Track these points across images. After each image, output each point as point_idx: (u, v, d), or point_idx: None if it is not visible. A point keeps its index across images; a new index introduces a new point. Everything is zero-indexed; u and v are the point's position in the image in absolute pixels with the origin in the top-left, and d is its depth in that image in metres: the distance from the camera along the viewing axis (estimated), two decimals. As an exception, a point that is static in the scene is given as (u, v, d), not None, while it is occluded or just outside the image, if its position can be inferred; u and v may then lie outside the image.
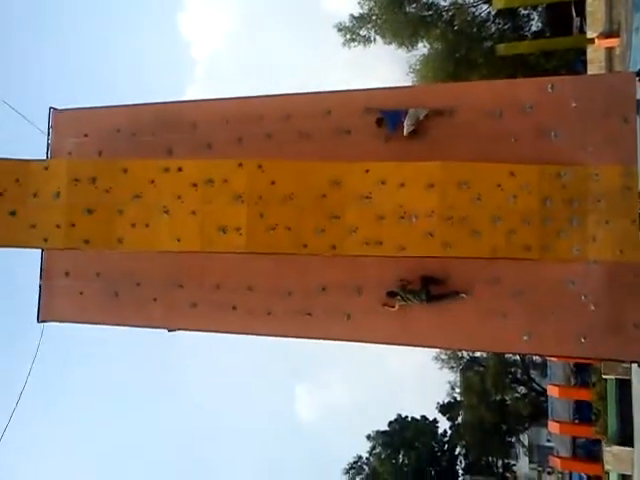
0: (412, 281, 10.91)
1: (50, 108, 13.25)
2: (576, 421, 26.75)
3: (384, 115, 11.11)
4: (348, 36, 28.83)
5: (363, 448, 40.74)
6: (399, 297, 10.90)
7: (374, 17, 28.12)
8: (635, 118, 10.22)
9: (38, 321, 13.24)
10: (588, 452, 26.31)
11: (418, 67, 29.73)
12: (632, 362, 11.31)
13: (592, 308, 10.18)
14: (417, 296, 10.77)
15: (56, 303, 13.21)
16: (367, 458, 40.79)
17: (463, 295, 10.77)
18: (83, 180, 10.85)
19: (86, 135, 12.88)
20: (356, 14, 28.65)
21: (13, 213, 10.86)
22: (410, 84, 28.36)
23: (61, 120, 13.25)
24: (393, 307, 10.99)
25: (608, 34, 19.47)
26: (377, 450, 40.05)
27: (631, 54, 16.38)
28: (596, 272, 10.17)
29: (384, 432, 39.99)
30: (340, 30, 28.88)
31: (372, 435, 40.34)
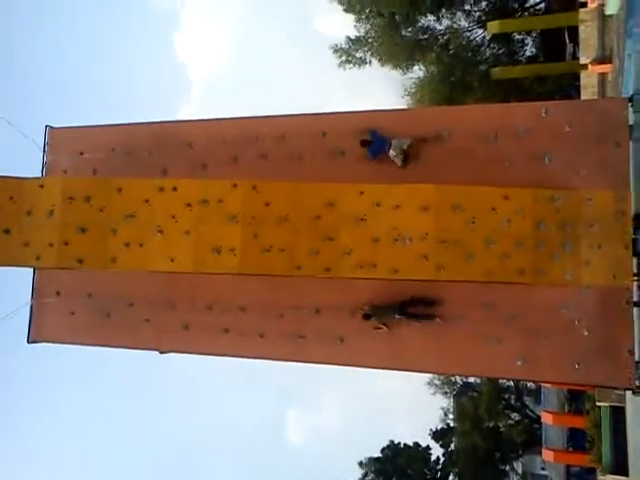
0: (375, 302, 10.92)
1: (46, 126, 13.27)
2: (570, 449, 26.56)
3: (372, 138, 11.12)
4: (344, 57, 29.16)
5: (355, 475, 40.23)
6: (374, 318, 10.87)
7: (370, 40, 28.47)
8: (627, 143, 10.31)
9: (28, 341, 13.10)
10: (582, 480, 26.07)
11: (413, 90, 30.05)
12: (626, 389, 11.24)
13: (585, 333, 10.14)
14: (389, 311, 10.77)
15: (47, 323, 13.07)
16: (359, 485, 40.22)
17: (438, 320, 10.74)
18: (77, 198, 10.82)
19: (81, 153, 12.88)
20: (352, 36, 29.03)
21: (7, 231, 10.80)
22: (405, 107, 28.61)
23: (57, 138, 13.25)
24: (381, 328, 10.93)
25: (601, 60, 19.77)
26: (369, 477, 39.54)
27: (623, 80, 16.59)
28: (589, 297, 10.15)
29: (376, 459, 39.53)
30: (336, 51, 29.22)
31: (364, 462, 39.86)
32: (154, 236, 10.61)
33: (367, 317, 10.96)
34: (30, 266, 12.09)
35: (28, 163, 13.27)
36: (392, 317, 10.87)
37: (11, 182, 11.03)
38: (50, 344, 13.28)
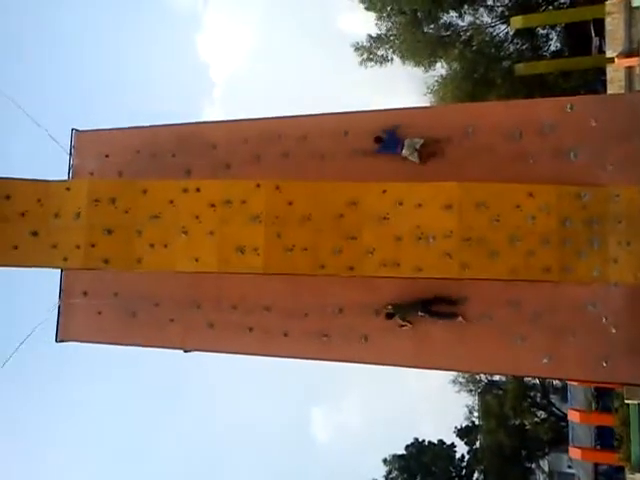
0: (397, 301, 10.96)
1: (72, 129, 13.47)
2: (598, 447, 26.19)
3: (386, 136, 11.19)
4: (365, 55, 29.04)
5: (379, 472, 40.17)
6: (397, 315, 10.90)
7: (392, 37, 28.33)
8: (656, 138, 10.14)
9: (57, 341, 13.33)
10: (611, 479, 25.74)
11: (436, 87, 29.83)
12: (655, 387, 11.09)
13: (613, 331, 10.02)
14: (412, 309, 10.80)
15: (74, 323, 13.30)
16: (383, 482, 40.19)
17: (460, 319, 10.73)
18: (103, 200, 10.97)
19: (107, 156, 13.07)
20: (373, 34, 28.91)
21: (35, 234, 10.98)
22: (428, 105, 28.45)
23: (83, 141, 13.46)
24: (405, 325, 10.97)
25: (628, 53, 19.40)
26: (393, 474, 39.43)
27: (651, 74, 16.30)
28: (617, 294, 10.03)
29: (401, 456, 39.41)
30: (357, 49, 29.11)
31: (388, 459, 39.76)
32: (179, 237, 10.71)
33: (390, 316, 10.98)
34: (58, 267, 12.29)
35: (55, 166, 13.49)
36: (415, 315, 10.87)
37: (39, 185, 11.21)
38: (77, 343, 13.51)
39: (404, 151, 11.01)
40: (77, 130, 13.52)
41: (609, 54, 20.49)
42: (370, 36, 28.82)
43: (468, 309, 10.77)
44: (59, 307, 13.33)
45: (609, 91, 20.51)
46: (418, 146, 10.97)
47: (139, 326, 12.70)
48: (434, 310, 10.83)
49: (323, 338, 11.45)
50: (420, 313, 10.85)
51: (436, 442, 39.63)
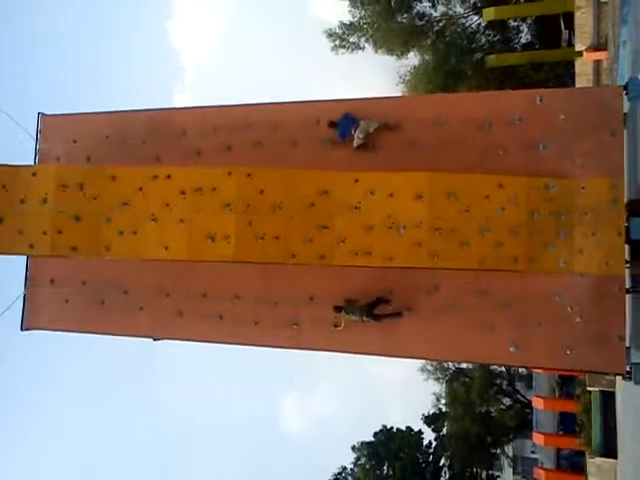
0: (358, 299, 10.90)
1: (39, 113, 13.16)
2: (560, 433, 26.89)
3: (340, 120, 11.13)
4: (337, 42, 28.97)
5: (348, 459, 40.58)
6: (344, 312, 10.90)
7: (365, 25, 28.30)
8: (622, 131, 10.33)
9: (22, 329, 13.08)
10: (572, 464, 26.44)
11: (408, 78, 29.93)
12: (616, 374, 11.38)
13: (578, 320, 10.22)
14: (358, 313, 10.78)
15: (41, 311, 13.05)
16: (351, 469, 40.59)
17: (406, 312, 10.83)
18: (71, 186, 10.78)
19: (75, 141, 12.78)
20: (346, 21, 28.84)
21: (0, 220, 10.75)
22: (400, 94, 28.52)
23: (49, 125, 13.15)
24: (339, 326, 10.99)
25: (596, 47, 19.75)
26: (362, 461, 39.89)
27: (618, 67, 16.59)
28: (582, 284, 10.22)
29: (369, 443, 39.85)
30: (330, 36, 29.03)
31: (357, 446, 40.19)
32: (148, 224, 10.59)
33: (338, 309, 10.98)
34: (24, 254, 12.06)
35: (21, 151, 13.19)
36: (361, 319, 10.81)
37: (4, 170, 10.98)
38: (43, 331, 13.28)
39: (357, 133, 10.94)
40: (43, 114, 13.21)
41: (578, 48, 20.82)
42: (343, 23, 28.75)
43: (437, 298, 10.86)
44: (25, 295, 13.07)
45: (577, 84, 20.86)
46: (372, 129, 10.94)
47: (107, 314, 12.52)
48: (378, 314, 10.83)
49: (293, 327, 11.45)
50: (365, 319, 10.79)
51: (404, 429, 40.16)
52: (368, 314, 10.77)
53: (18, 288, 13.03)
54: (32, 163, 12.92)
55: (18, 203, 10.81)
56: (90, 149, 12.58)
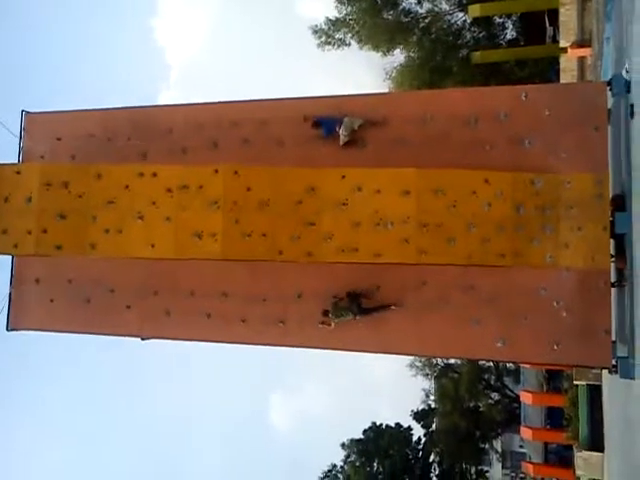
0: (342, 297, 10.94)
1: (22, 111, 13.02)
2: (548, 427, 27.08)
3: (320, 121, 11.18)
4: (323, 39, 28.96)
5: (337, 456, 40.61)
6: (331, 315, 10.91)
7: (351, 21, 28.31)
8: (606, 126, 10.41)
9: (7, 329, 12.94)
10: (560, 457, 26.66)
11: (394, 74, 29.97)
12: (602, 368, 11.45)
13: (564, 314, 10.29)
14: (348, 311, 10.81)
15: (26, 311, 12.92)
16: (341, 466, 40.61)
17: (393, 307, 10.86)
18: (56, 185, 10.68)
19: (59, 139, 12.66)
20: (332, 17, 28.84)
21: (-17, 218, 10.64)
22: (386, 91, 28.55)
23: (34, 123, 13.02)
24: (329, 325, 11.00)
25: (580, 44, 19.88)
26: (352, 458, 39.92)
27: (602, 64, 16.71)
28: (568, 279, 10.29)
29: (359, 440, 39.89)
30: (315, 32, 29.02)
31: (346, 443, 40.21)
32: (134, 222, 10.53)
33: (325, 313, 11.01)
34: (8, 254, 11.95)
35: (4, 149, 13.05)
36: (351, 318, 10.84)
37: (-13, 168, 10.84)
38: (29, 332, 13.16)
39: (341, 130, 11.00)
40: (28, 112, 13.08)
41: (562, 44, 20.94)
42: (329, 19, 28.74)
43: (425, 293, 10.89)
44: (10, 295, 12.94)
45: (562, 80, 20.98)
46: (356, 126, 10.98)
47: (94, 313, 12.42)
48: (368, 308, 10.86)
49: (280, 324, 11.43)
50: (358, 317, 10.84)
51: (393, 426, 40.24)
52: (358, 310, 10.78)
53: (3, 288, 12.92)
54: (16, 161, 12.80)
55: (2, 202, 10.71)
56: (75, 147, 12.47)
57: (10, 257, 12.81)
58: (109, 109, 12.71)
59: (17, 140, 12.94)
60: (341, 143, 11.07)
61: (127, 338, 12.73)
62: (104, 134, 12.39)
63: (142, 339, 12.64)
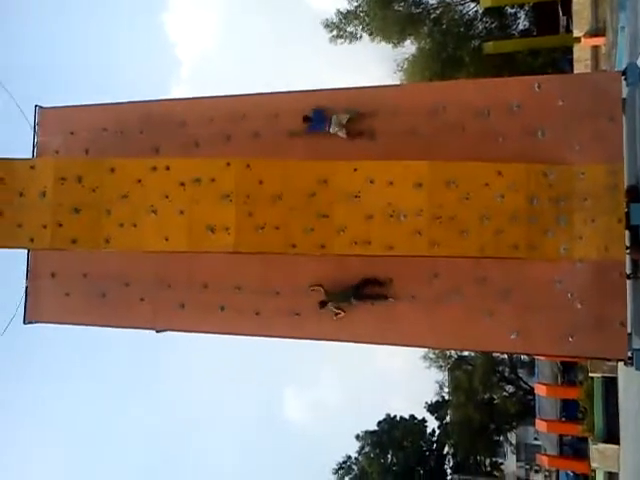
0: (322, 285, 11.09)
1: (36, 106, 13.12)
2: (563, 419, 26.93)
3: (313, 115, 11.27)
4: (335, 32, 28.90)
5: (352, 448, 40.78)
6: (332, 305, 11.01)
7: (361, 14, 28.21)
8: (621, 117, 10.30)
9: (24, 322, 13.11)
10: (575, 450, 26.51)
11: (405, 66, 29.84)
12: (618, 360, 11.38)
13: (579, 306, 10.23)
14: (344, 296, 10.93)
15: (42, 304, 13.07)
16: (356, 458, 40.79)
17: (391, 300, 10.91)
18: (70, 179, 10.76)
19: (72, 133, 12.76)
20: (343, 10, 28.77)
21: (-1, 213, 10.75)
22: (397, 83, 28.44)
23: (47, 118, 13.12)
24: (339, 313, 11.08)
25: (594, 33, 19.65)
26: (366, 450, 40.07)
27: (616, 53, 16.53)
28: (582, 270, 10.22)
29: (373, 432, 40.02)
30: (327, 26, 28.96)
31: (361, 435, 40.36)
32: (148, 216, 10.58)
33: (323, 304, 11.07)
34: (24, 247, 12.07)
35: (19, 144, 13.16)
36: (348, 302, 10.97)
37: (2, 164, 10.96)
38: (46, 325, 13.33)
39: (333, 127, 11.09)
40: (41, 107, 13.18)
41: (576, 33, 20.72)
42: (339, 12, 28.66)
43: (437, 286, 10.87)
44: (26, 288, 13.09)
45: (575, 70, 20.77)
46: (344, 121, 11.07)
47: (109, 306, 12.54)
48: (365, 294, 10.95)
49: (295, 316, 11.47)
50: (353, 300, 10.96)
51: (407, 417, 40.32)
52: (356, 296, 10.88)
53: (19, 282, 13.07)
54: (30, 156, 12.91)
55: (17, 197, 10.80)
56: (88, 141, 12.56)
57: (26, 251, 12.97)
58: (122, 103, 12.77)
59: (31, 135, 13.05)
60: (343, 137, 11.14)
61: (142, 330, 12.85)
62: (117, 128, 12.47)
63: (156, 331, 12.76)
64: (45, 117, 13.13)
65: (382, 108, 11.14)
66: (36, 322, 13.17)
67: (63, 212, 10.72)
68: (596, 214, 9.92)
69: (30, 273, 13.11)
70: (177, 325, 12.49)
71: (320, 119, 11.22)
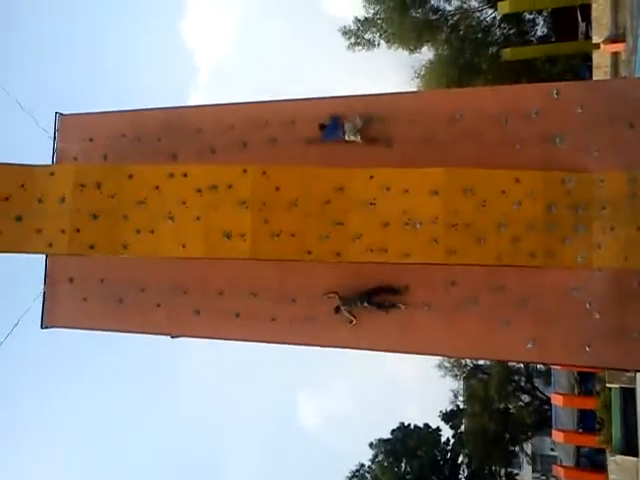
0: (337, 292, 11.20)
1: (56, 113, 13.29)
2: (580, 430, 26.62)
3: (328, 123, 11.41)
4: (352, 40, 28.97)
5: (365, 456, 40.55)
6: (344, 309, 11.12)
7: (379, 21, 28.25)
8: (641, 124, 10.19)
9: (42, 327, 13.24)
10: (592, 461, 26.18)
11: (423, 72, 29.82)
12: (636, 371, 11.26)
13: (597, 316, 10.13)
14: (357, 302, 11.05)
15: (60, 309, 13.20)
16: (369, 466, 40.55)
17: (403, 307, 10.97)
18: (88, 185, 10.85)
19: (91, 140, 12.92)
20: (361, 17, 28.82)
21: (19, 218, 10.85)
22: (414, 89, 28.41)
23: (67, 125, 13.29)
24: (352, 321, 11.18)
25: (614, 39, 19.50)
26: (379, 458, 39.82)
27: (636, 59, 16.39)
28: (601, 279, 10.12)
29: (387, 440, 39.78)
30: (345, 34, 29.03)
31: (374, 443, 40.14)
32: (165, 222, 10.64)
33: (337, 310, 11.17)
34: (42, 253, 12.18)
35: (39, 150, 13.32)
36: (360, 305, 11.06)
37: (22, 170, 11.07)
38: (63, 329, 13.44)
39: (347, 135, 11.20)
40: (61, 114, 13.34)
41: (595, 40, 20.56)
42: (357, 19, 28.71)
43: (454, 294, 10.82)
44: (44, 293, 13.23)
45: (595, 77, 20.60)
46: (359, 126, 11.16)
47: (125, 312, 12.63)
48: (376, 301, 11.03)
49: (310, 323, 11.46)
50: (365, 304, 11.04)
51: (421, 426, 40.03)
52: (368, 301, 10.97)
53: (36, 287, 13.21)
54: (50, 162, 13.07)
55: (36, 202, 10.90)
56: (107, 148, 12.70)
57: (44, 256, 13.10)
58: (140, 110, 12.89)
59: (51, 141, 13.22)
60: (359, 142, 11.22)
61: (157, 336, 12.91)
62: (135, 134, 12.59)
63: (172, 337, 12.82)
64: (65, 124, 13.30)
65: (399, 115, 11.14)
66: (53, 327, 13.29)
67: (81, 218, 10.80)
68: (615, 222, 9.82)
69: (48, 278, 13.25)
70: (192, 331, 12.54)
71: (335, 127, 11.30)
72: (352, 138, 11.19)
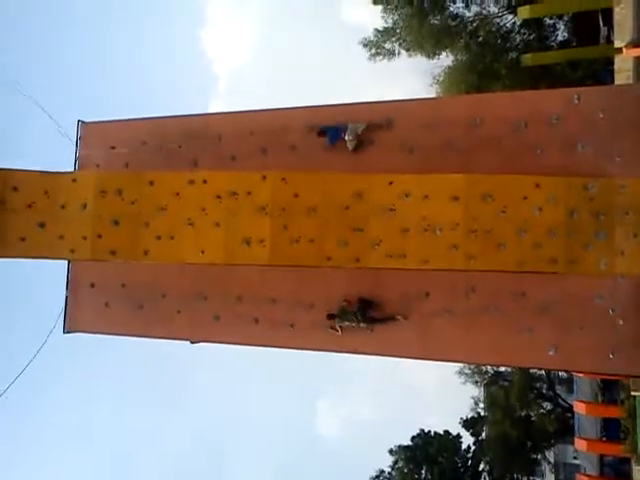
0: (351, 302, 11.22)
1: (78, 121, 13.49)
2: (604, 439, 26.20)
3: (325, 130, 11.52)
4: (373, 50, 29.02)
5: (385, 462, 40.32)
6: (338, 318, 11.16)
7: (398, 30, 28.24)
8: (664, 129, 10.08)
9: (64, 332, 13.39)
10: (616, 471, 25.75)
11: (442, 78, 29.74)
12: (662, 378, 11.08)
13: (620, 323, 10.00)
14: (352, 317, 11.07)
15: (82, 314, 13.36)
16: (389, 473, 40.31)
17: (399, 317, 10.96)
18: (110, 192, 10.99)
19: (113, 147, 13.08)
20: (380, 27, 28.84)
21: (42, 225, 11.02)
22: (434, 95, 28.36)
23: (89, 132, 13.48)
24: (337, 331, 11.24)
25: (636, 43, 19.24)
26: (400, 465, 39.57)
27: (659, 64, 16.17)
28: (624, 286, 10.00)
29: (407, 447, 39.50)
30: (365, 45, 29.10)
31: (394, 449, 39.90)
32: (185, 228, 10.72)
33: (331, 317, 11.22)
34: (65, 258, 12.35)
35: (62, 157, 13.51)
36: (355, 324, 11.10)
37: (46, 177, 11.23)
38: (84, 334, 13.58)
39: (347, 136, 11.33)
40: (83, 122, 13.54)
41: (617, 44, 20.31)
42: (377, 30, 28.74)
43: (474, 300, 10.75)
44: (66, 298, 13.39)
45: (617, 81, 20.34)
46: (360, 130, 11.26)
47: (146, 317, 12.75)
48: (373, 317, 11.09)
49: (329, 329, 11.46)
50: (362, 325, 11.10)
51: (442, 433, 39.71)
52: (363, 319, 10.99)
53: (58, 292, 13.38)
54: (72, 169, 13.25)
55: (59, 209, 11.06)
56: (128, 155, 12.85)
57: (66, 262, 13.27)
58: (161, 117, 13.04)
59: (73, 149, 13.41)
60: (350, 148, 11.37)
61: (177, 341, 13.00)
62: (156, 142, 12.73)
63: (191, 342, 12.89)
64: (87, 131, 13.49)
65: (417, 121, 11.12)
66: (75, 332, 13.43)
67: (103, 224, 10.94)
68: (638, 229, 9.69)
69: (70, 283, 13.41)
70: (212, 337, 12.61)
71: (335, 130, 11.48)
72: (350, 140, 11.31)
